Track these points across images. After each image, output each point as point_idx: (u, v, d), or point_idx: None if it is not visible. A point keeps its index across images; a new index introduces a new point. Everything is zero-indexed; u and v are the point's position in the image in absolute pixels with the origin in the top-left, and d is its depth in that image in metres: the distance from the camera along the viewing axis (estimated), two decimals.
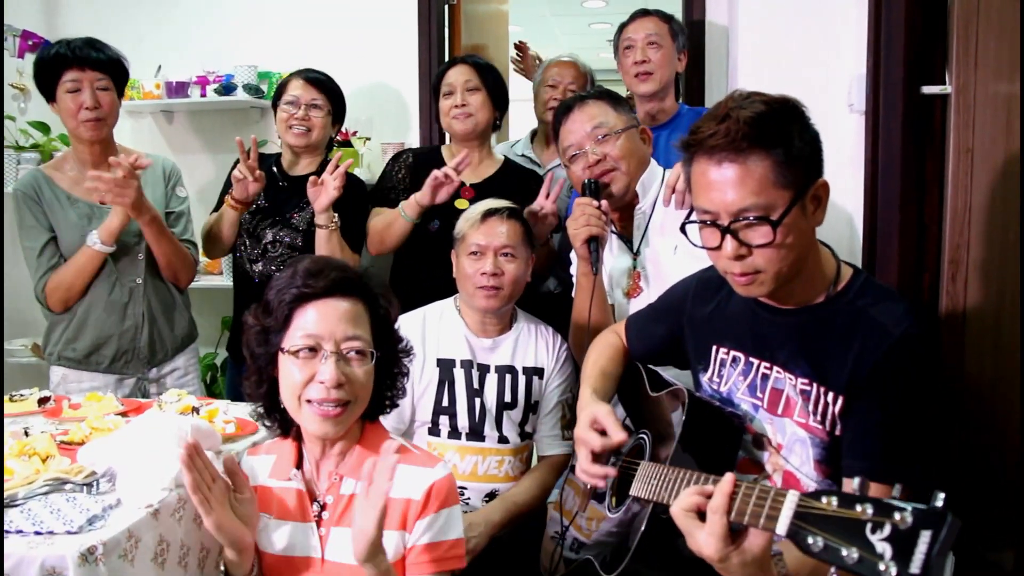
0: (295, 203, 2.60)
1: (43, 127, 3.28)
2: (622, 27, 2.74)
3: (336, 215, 2.45)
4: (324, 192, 2.39)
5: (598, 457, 1.58)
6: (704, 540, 1.13)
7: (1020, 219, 2.13)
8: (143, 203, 2.28)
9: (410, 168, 2.62)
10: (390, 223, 2.51)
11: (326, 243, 2.46)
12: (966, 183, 2.24)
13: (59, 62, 2.29)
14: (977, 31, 2.23)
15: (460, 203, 2.52)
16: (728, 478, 1.12)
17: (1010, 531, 2.11)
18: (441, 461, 1.52)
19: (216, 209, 2.68)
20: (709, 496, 1.14)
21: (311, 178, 2.43)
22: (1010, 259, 2.16)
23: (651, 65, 2.61)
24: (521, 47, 3.96)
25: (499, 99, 2.63)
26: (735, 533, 1.12)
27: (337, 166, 2.39)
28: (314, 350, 1.42)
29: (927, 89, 2.30)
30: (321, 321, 1.43)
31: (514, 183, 2.56)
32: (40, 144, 3.28)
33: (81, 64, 2.29)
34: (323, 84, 2.64)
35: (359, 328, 1.45)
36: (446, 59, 3.47)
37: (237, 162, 2.50)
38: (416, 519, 1.45)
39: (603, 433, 1.57)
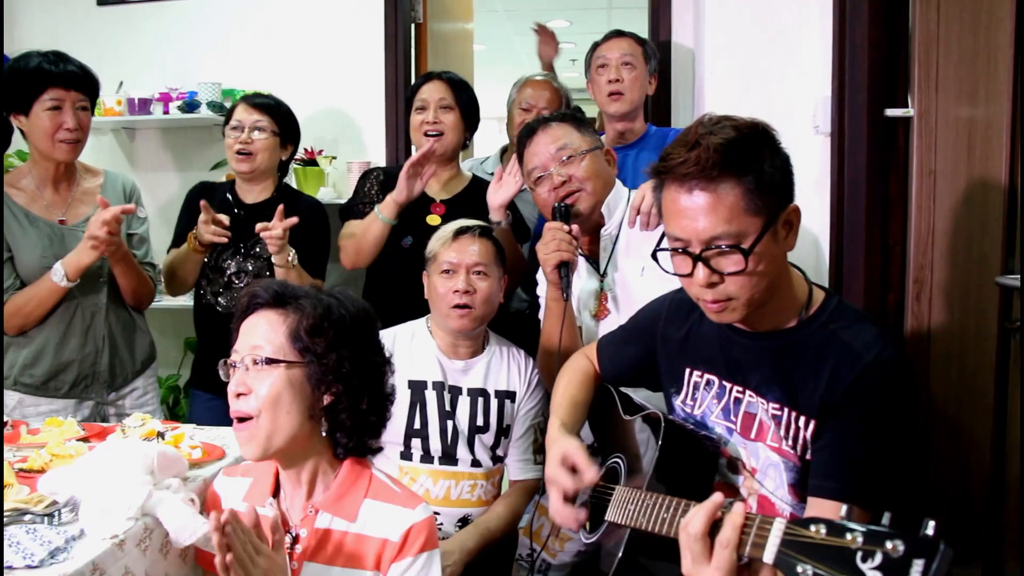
0: (253, 233, 2.51)
1: None
2: (596, 46, 2.75)
3: (293, 251, 2.39)
4: (271, 238, 2.32)
5: (570, 497, 1.55)
6: (709, 574, 1.07)
7: (982, 239, 2.17)
8: (120, 246, 2.27)
9: (381, 184, 2.60)
10: (367, 227, 2.47)
11: (286, 276, 2.38)
12: (929, 204, 2.28)
13: (42, 77, 2.22)
14: (937, 56, 2.28)
15: (432, 219, 2.51)
16: (739, 510, 1.06)
17: (977, 546, 2.14)
18: (423, 502, 1.48)
19: (176, 242, 2.61)
20: (718, 520, 1.08)
21: (258, 225, 2.33)
22: (973, 278, 2.20)
23: (624, 85, 2.64)
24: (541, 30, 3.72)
25: (471, 119, 2.63)
26: (740, 567, 1.06)
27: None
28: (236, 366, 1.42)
29: (890, 112, 2.34)
30: (240, 339, 1.44)
31: (483, 198, 2.54)
32: None
33: (67, 83, 2.23)
34: (268, 107, 2.58)
35: (262, 339, 1.40)
36: (412, 77, 3.47)
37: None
38: (392, 561, 1.41)
39: (574, 469, 1.55)
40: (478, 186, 2.64)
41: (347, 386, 1.42)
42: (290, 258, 2.38)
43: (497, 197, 2.37)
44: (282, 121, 2.59)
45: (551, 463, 1.58)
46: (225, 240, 2.41)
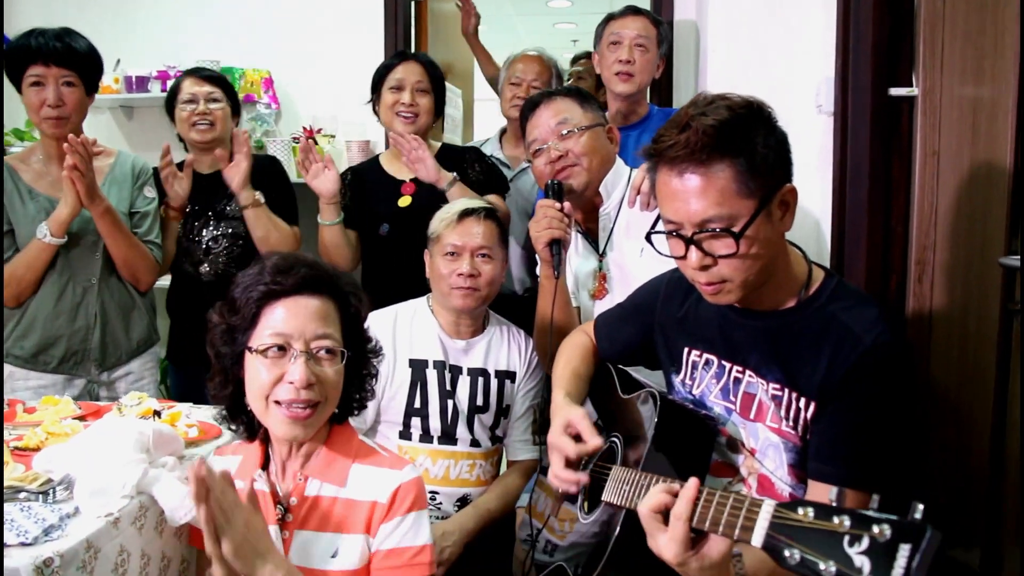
0: (220, 197, 2.58)
1: None
2: (610, 19, 2.68)
3: (259, 192, 2.49)
4: (236, 168, 2.45)
5: (571, 462, 1.56)
6: (665, 544, 1.13)
7: (985, 220, 2.15)
8: (96, 192, 2.24)
9: (350, 186, 2.59)
10: (322, 236, 2.52)
11: (257, 221, 2.50)
12: (933, 185, 2.26)
13: (25, 55, 2.22)
14: (943, 35, 2.25)
15: (403, 201, 2.52)
16: (692, 484, 1.12)
17: (976, 531, 2.13)
18: (409, 464, 1.48)
19: None
20: (676, 496, 1.14)
21: (229, 167, 2.46)
22: (975, 259, 2.18)
23: (635, 67, 2.58)
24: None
25: (441, 102, 2.64)
26: (696, 538, 1.12)
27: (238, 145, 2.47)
28: (283, 349, 1.38)
29: (895, 91, 2.31)
30: (291, 319, 1.38)
31: (451, 167, 2.52)
32: None
33: (46, 59, 2.23)
34: (217, 79, 2.64)
35: (329, 327, 1.40)
36: None
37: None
38: (381, 522, 1.41)
39: (577, 438, 1.55)
40: (446, 155, 2.61)
41: (363, 360, 1.50)
42: (257, 196, 2.49)
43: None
44: (230, 92, 2.67)
45: (554, 430, 1.59)
46: (170, 158, 2.51)
